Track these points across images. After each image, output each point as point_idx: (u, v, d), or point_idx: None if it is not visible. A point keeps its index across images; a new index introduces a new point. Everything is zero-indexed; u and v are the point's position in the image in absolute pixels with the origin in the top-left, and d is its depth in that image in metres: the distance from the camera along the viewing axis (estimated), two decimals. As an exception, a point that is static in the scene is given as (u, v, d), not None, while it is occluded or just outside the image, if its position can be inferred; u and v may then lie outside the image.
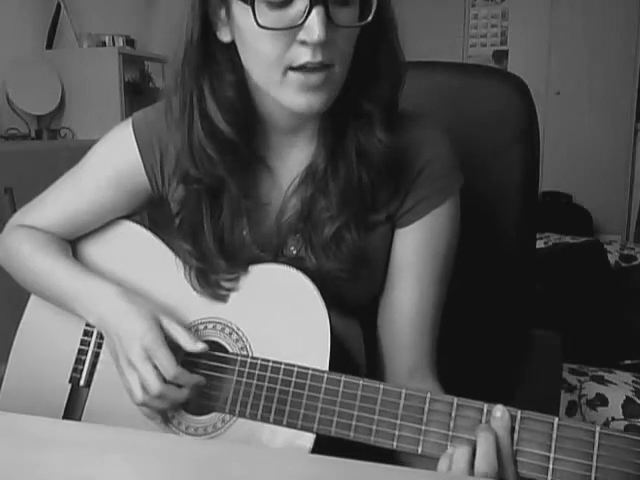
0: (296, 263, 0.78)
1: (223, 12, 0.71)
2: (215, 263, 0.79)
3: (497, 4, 4.61)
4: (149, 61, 3.29)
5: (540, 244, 2.47)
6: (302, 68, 0.68)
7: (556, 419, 0.61)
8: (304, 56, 0.67)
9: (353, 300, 0.81)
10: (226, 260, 0.79)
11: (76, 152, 0.94)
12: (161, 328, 0.77)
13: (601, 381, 1.59)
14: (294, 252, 0.81)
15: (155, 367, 0.75)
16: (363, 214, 0.79)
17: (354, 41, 0.71)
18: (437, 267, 0.81)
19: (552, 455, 0.60)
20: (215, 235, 0.80)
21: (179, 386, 0.76)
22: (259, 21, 0.66)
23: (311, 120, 0.79)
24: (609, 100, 4.35)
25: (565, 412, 1.53)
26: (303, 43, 0.66)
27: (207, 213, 0.80)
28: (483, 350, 1.04)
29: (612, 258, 2.35)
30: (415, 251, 0.81)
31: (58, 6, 3.06)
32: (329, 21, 0.65)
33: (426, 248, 0.80)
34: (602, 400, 1.53)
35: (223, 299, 0.80)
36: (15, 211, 0.96)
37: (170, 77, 0.76)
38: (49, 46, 3.08)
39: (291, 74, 0.69)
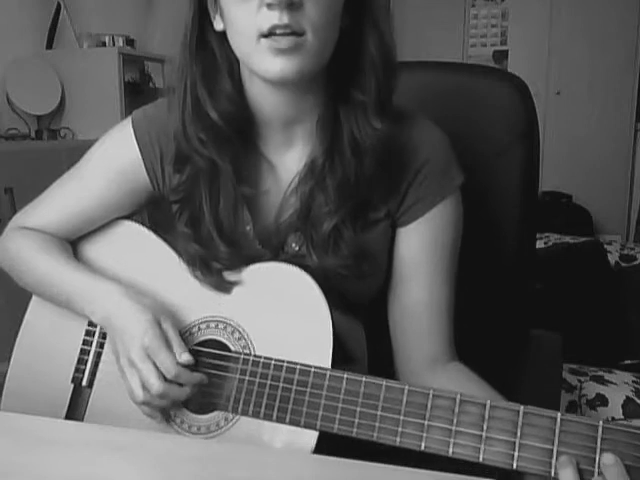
0: (298, 260, 0.78)
1: None
2: (215, 248, 0.80)
3: (497, 4, 4.60)
4: (149, 61, 3.28)
5: (540, 244, 2.46)
6: (272, 34, 0.68)
7: (559, 414, 0.61)
8: (272, 19, 0.68)
9: (355, 297, 0.81)
10: (227, 246, 0.80)
11: (76, 152, 0.94)
12: (161, 328, 0.77)
13: (601, 381, 1.59)
14: (296, 249, 0.81)
15: (156, 366, 0.75)
16: (361, 210, 0.79)
17: (327, 11, 0.70)
18: (447, 262, 0.82)
19: (555, 449, 0.60)
20: (215, 219, 0.80)
21: (180, 384, 0.76)
22: None
23: (307, 115, 0.79)
24: (609, 100, 4.35)
25: (565, 412, 1.53)
26: (270, 6, 0.67)
27: (206, 197, 0.80)
28: (483, 350, 1.03)
29: (612, 258, 2.34)
30: (423, 250, 0.81)
31: (58, 6, 3.06)
32: None
33: (433, 246, 0.81)
34: (602, 400, 1.52)
35: (226, 290, 0.80)
36: (15, 211, 0.96)
37: (174, 62, 0.78)
38: (49, 46, 3.08)
39: (263, 41, 0.69)
